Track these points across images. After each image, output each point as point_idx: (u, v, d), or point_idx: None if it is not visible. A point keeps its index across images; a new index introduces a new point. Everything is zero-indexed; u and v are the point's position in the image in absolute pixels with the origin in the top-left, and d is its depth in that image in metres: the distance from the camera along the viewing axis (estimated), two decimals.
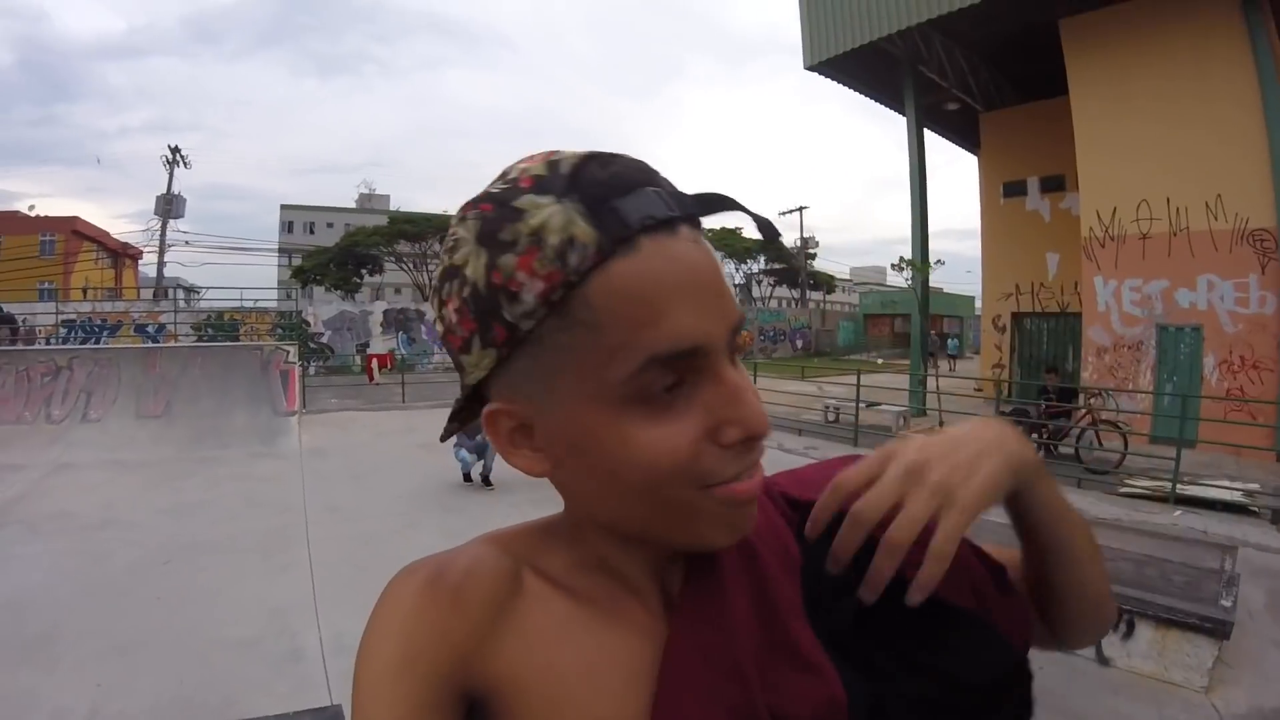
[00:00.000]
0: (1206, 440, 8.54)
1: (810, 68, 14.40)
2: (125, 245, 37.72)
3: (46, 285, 29.00)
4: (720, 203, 0.47)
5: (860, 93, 15.63)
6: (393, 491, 7.22)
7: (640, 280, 0.42)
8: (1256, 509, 6.41)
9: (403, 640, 0.48)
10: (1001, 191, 15.70)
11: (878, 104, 15.91)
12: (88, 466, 8.11)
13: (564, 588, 0.53)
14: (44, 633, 4.00)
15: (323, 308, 24.74)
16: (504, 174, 0.47)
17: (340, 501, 6.87)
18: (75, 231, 34.21)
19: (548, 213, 0.42)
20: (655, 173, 0.46)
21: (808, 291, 43.42)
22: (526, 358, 0.45)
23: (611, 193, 0.43)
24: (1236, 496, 6.56)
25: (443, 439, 0.61)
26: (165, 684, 3.49)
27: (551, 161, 0.44)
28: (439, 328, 0.49)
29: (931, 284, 15.34)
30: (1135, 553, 4.36)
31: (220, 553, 5.39)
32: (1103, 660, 3.69)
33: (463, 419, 0.55)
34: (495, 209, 0.43)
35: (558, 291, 0.42)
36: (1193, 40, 10.10)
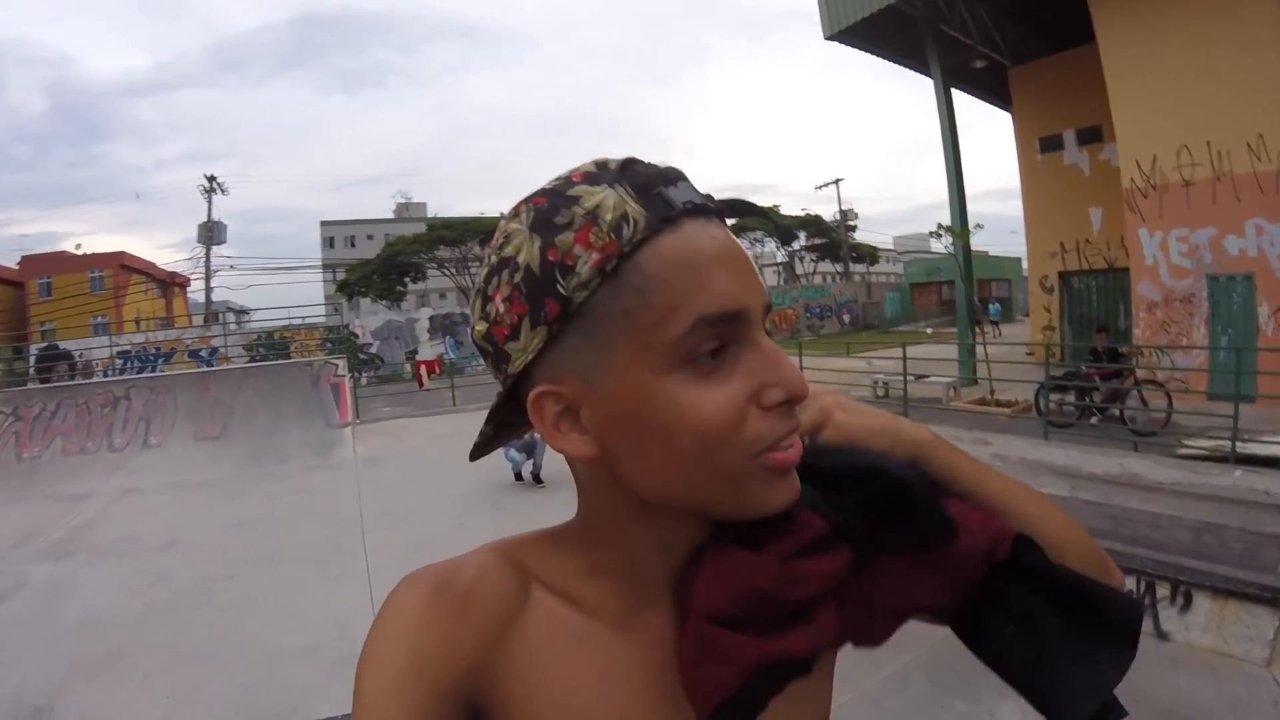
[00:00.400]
0: (1267, 394, 8.19)
1: (830, 37, 14.16)
2: (173, 274, 38.85)
3: (100, 320, 30.08)
4: (743, 207, 0.53)
5: (883, 58, 15.31)
6: (446, 495, 7.32)
7: (686, 251, 0.46)
8: None
9: (409, 650, 0.48)
10: (1038, 147, 15.26)
11: (904, 68, 15.58)
12: (150, 490, 8.40)
13: (572, 598, 0.53)
14: (115, 650, 4.18)
15: (370, 319, 25.24)
16: (555, 179, 0.50)
17: (395, 508, 7.00)
18: (123, 265, 35.38)
19: (601, 195, 0.46)
20: (686, 177, 0.50)
21: (851, 265, 42.82)
22: (577, 333, 0.47)
23: (656, 182, 0.48)
24: None
25: (474, 455, 0.60)
26: (231, 693, 3.63)
27: (599, 161, 0.49)
28: (480, 328, 0.50)
29: (976, 248, 15.02)
30: (1192, 520, 4.23)
31: (280, 565, 5.55)
32: (1160, 635, 3.59)
33: (499, 421, 0.55)
34: (549, 200, 0.47)
35: (612, 261, 0.45)
36: None
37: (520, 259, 0.47)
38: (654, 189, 0.47)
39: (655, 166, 0.49)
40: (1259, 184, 9.54)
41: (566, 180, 0.48)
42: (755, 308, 0.48)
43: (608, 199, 0.46)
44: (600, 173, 0.48)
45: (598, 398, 0.48)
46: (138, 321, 29.92)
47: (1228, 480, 5.77)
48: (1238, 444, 6.45)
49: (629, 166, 0.48)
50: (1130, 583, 3.58)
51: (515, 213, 0.49)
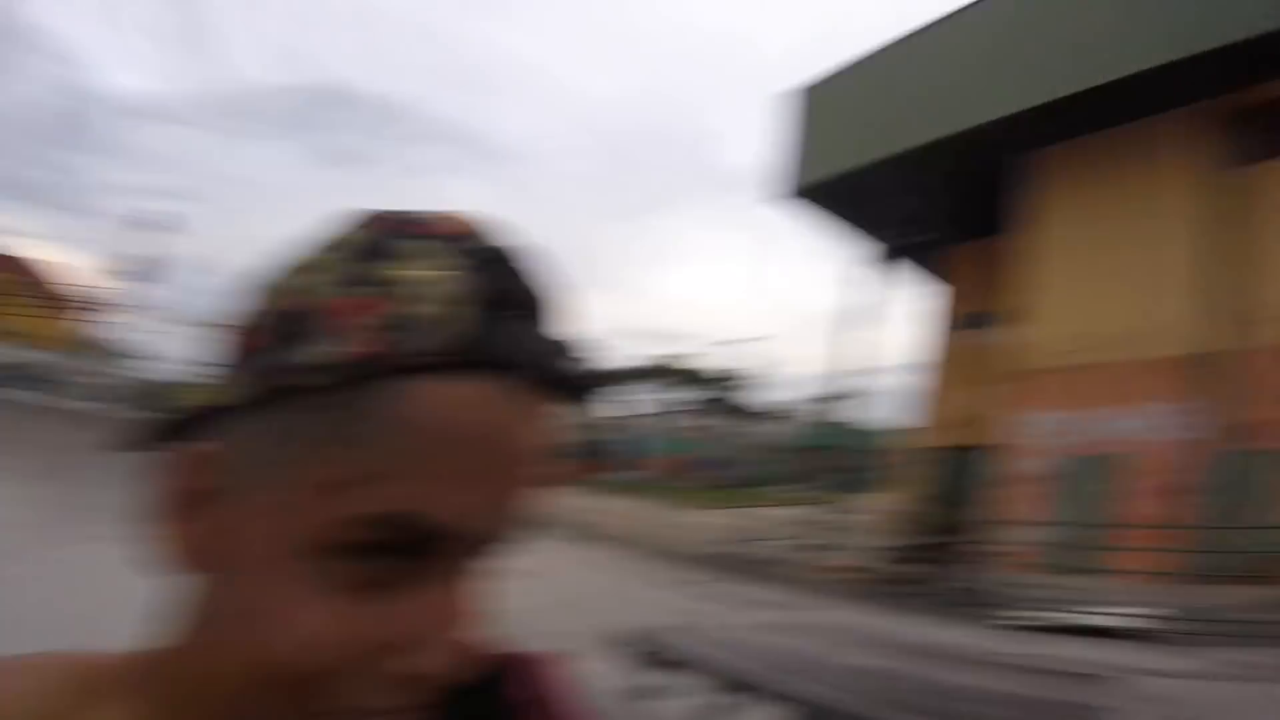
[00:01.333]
0: (1125, 568, 8.53)
1: (785, 197, 15.81)
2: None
3: None
4: (589, 384, 0.35)
5: (824, 221, 16.70)
6: None
7: (459, 422, 0.30)
8: (1149, 631, 6.42)
9: None
10: (958, 323, 16.16)
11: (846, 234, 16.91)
12: None
13: None
14: None
15: None
16: (439, 211, 0.35)
17: None
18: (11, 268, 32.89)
19: (439, 276, 0.31)
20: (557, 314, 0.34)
21: (743, 422, 42.79)
22: (272, 423, 0.31)
23: (526, 303, 0.33)
24: (1127, 621, 6.57)
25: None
26: None
27: (502, 230, 0.34)
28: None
29: (865, 417, 15.50)
30: (998, 691, 4.04)
31: None
32: None
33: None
34: (386, 233, 0.32)
35: (359, 368, 0.29)
36: (1141, 180, 11.16)
37: (290, 281, 0.32)
38: (516, 307, 0.32)
39: (539, 285, 0.34)
40: (1137, 371, 10.32)
41: (438, 219, 0.33)
42: (477, 528, 0.32)
43: (442, 286, 0.30)
44: (478, 246, 0.32)
45: (239, 511, 0.32)
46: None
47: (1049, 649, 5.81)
48: (1066, 614, 6.77)
49: (510, 260, 0.33)
50: None
51: (358, 220, 0.34)
